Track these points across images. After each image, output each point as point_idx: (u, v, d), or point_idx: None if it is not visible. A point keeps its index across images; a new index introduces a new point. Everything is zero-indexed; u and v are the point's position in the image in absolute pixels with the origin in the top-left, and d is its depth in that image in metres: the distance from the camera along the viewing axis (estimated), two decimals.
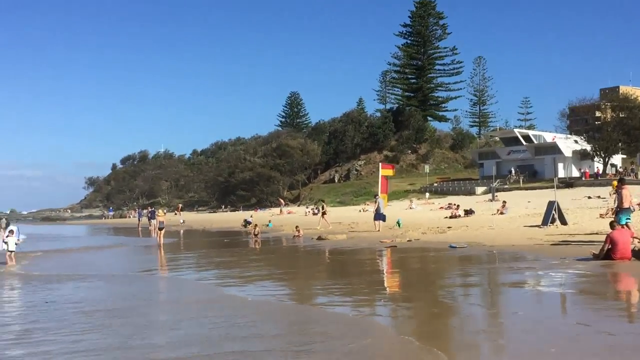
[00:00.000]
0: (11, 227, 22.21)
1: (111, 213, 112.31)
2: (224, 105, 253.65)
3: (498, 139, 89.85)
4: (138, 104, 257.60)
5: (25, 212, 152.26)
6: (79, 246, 33.67)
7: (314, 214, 55.89)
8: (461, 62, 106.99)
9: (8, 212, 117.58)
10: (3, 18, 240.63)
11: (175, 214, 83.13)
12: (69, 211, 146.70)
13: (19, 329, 10.00)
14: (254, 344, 8.38)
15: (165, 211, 40.11)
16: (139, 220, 60.70)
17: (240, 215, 64.33)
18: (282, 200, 78.66)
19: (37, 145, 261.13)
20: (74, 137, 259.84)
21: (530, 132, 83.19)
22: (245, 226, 47.22)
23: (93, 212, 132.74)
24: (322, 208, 40.08)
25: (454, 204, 44.73)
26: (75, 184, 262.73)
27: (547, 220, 26.00)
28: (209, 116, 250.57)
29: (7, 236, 21.52)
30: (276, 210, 71.70)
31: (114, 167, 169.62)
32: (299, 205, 79.24)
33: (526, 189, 59.26)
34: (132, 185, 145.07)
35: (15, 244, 21.68)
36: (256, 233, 33.28)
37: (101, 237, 45.58)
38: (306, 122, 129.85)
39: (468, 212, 38.28)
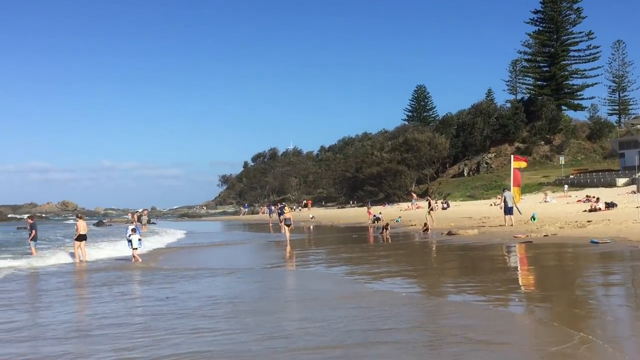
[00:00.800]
0: (132, 225, 23.32)
1: (246, 209, 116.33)
2: (351, 101, 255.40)
3: None
4: (267, 102, 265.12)
5: (165, 210, 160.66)
6: (214, 242, 34.90)
7: (443, 208, 54.96)
8: (598, 47, 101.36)
9: (149, 209, 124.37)
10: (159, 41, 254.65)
11: (300, 210, 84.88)
12: (204, 208, 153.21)
13: (144, 320, 10.32)
14: (412, 336, 8.44)
15: (294, 207, 40.79)
16: (270, 216, 62.22)
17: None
18: (414, 194, 77.96)
19: (176, 146, 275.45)
20: (208, 136, 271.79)
21: None
22: (374, 222, 47.23)
23: (227, 209, 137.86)
24: (429, 205, 38.88)
25: (593, 197, 42.65)
26: (210, 182, 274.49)
27: None
28: (336, 112, 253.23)
29: (129, 235, 22.47)
30: (404, 205, 71.11)
31: (245, 165, 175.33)
32: (427, 200, 78.13)
33: None
34: (262, 182, 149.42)
35: (139, 240, 22.79)
36: (385, 228, 33.03)
37: (234, 233, 47.06)
38: (433, 115, 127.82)
39: (609, 205, 36.40)
